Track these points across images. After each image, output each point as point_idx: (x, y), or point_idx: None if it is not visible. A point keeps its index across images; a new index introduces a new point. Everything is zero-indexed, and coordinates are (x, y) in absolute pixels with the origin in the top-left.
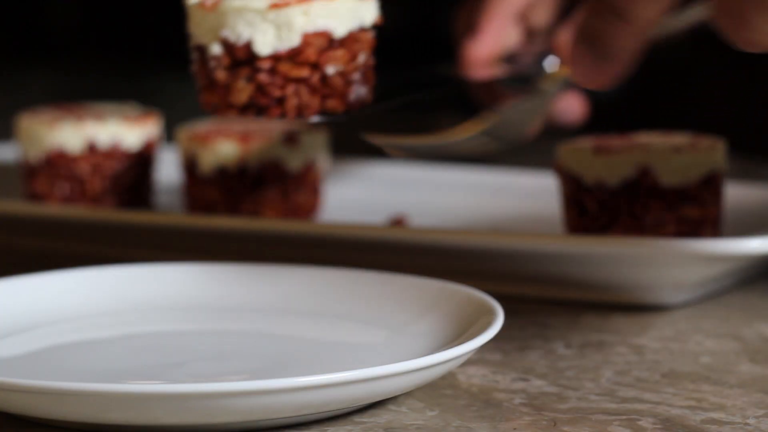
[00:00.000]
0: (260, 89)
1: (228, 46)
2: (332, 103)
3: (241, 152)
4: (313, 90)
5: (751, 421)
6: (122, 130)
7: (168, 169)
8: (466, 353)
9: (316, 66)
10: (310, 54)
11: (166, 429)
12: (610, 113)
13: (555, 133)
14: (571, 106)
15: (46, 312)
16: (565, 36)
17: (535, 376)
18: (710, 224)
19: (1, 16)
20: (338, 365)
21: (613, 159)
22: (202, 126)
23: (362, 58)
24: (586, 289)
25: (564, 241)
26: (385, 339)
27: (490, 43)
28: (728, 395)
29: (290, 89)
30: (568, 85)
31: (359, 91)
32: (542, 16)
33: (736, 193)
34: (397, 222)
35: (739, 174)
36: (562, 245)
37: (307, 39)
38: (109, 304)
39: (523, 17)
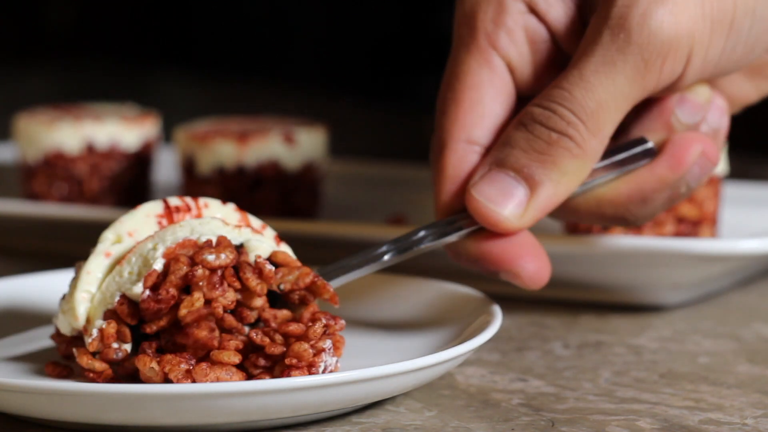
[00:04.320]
0: None
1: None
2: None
3: (239, 152)
4: None
5: (749, 421)
6: (120, 131)
7: (166, 170)
8: (465, 353)
9: None
10: None
11: (166, 429)
12: None
13: None
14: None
15: (46, 312)
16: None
17: (534, 377)
18: (708, 224)
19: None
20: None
21: None
22: (201, 126)
23: None
24: (585, 290)
25: (563, 241)
26: (383, 339)
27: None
28: (726, 395)
29: None
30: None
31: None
32: None
33: (736, 193)
34: (397, 222)
35: (738, 174)
36: (562, 245)
37: None
38: None
39: None
